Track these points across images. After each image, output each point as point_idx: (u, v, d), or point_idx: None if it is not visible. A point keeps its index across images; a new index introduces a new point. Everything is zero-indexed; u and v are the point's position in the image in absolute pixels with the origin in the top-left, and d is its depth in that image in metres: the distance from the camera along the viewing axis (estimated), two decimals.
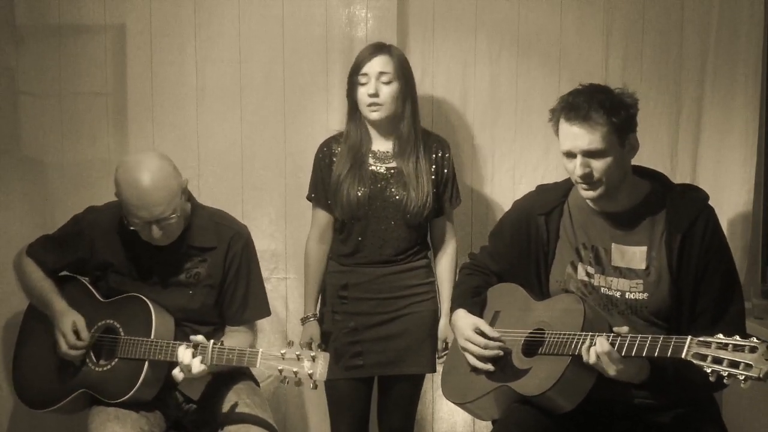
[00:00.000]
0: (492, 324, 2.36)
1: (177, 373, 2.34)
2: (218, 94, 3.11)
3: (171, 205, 2.37)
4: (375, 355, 2.77)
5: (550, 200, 2.36)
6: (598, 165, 2.12)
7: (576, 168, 2.14)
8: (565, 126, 2.15)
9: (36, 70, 3.06)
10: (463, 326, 2.36)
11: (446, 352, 2.75)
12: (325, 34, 3.09)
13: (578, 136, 2.12)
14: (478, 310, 2.40)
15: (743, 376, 1.79)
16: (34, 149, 3.09)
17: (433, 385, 3.21)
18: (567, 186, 2.34)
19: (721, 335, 1.86)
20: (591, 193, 2.17)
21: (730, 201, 3.18)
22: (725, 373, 1.82)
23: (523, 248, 2.36)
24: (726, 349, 1.83)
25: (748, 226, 3.19)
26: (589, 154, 2.12)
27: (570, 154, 2.16)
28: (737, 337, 1.84)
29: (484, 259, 2.52)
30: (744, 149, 3.17)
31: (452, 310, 2.46)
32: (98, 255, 2.56)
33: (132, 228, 2.42)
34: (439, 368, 2.73)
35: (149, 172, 2.35)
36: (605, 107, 2.10)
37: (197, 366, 2.29)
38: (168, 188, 2.37)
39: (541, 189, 2.46)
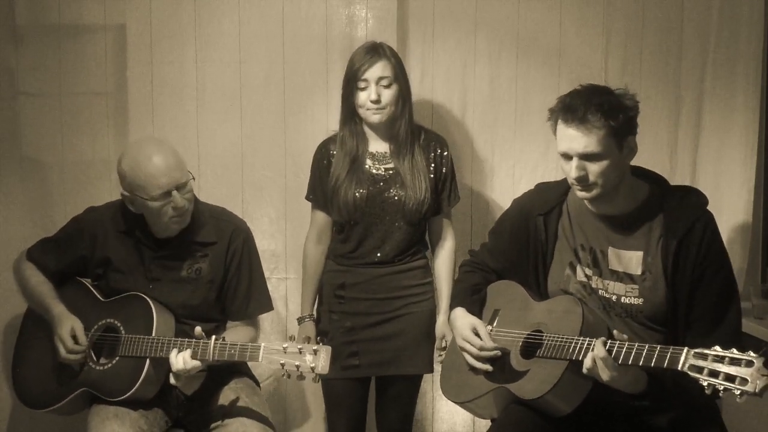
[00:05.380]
0: (491, 322, 2.36)
1: (173, 381, 2.39)
2: (218, 94, 3.11)
3: (185, 171, 2.45)
4: (371, 355, 2.76)
5: (549, 200, 2.33)
6: (594, 168, 2.09)
7: (571, 170, 2.11)
8: (562, 128, 2.11)
9: (36, 70, 3.06)
10: (461, 326, 2.35)
11: (445, 348, 2.74)
12: (325, 34, 3.09)
13: (574, 138, 2.08)
14: (477, 308, 2.40)
15: (739, 391, 1.78)
16: (34, 149, 3.10)
17: (432, 385, 3.21)
18: (566, 186, 2.29)
19: (718, 348, 1.84)
20: (586, 194, 2.14)
21: (730, 201, 3.17)
22: (721, 387, 1.80)
23: (522, 247, 2.35)
24: (722, 363, 1.82)
25: (748, 226, 3.18)
26: (585, 157, 2.08)
27: (566, 156, 2.12)
28: (734, 351, 1.82)
29: (483, 256, 2.51)
30: (744, 149, 3.16)
31: (451, 307, 2.46)
32: (99, 252, 2.56)
33: (146, 211, 2.43)
34: (438, 366, 2.73)
35: (156, 144, 2.46)
36: (603, 110, 2.05)
37: (189, 362, 2.30)
38: (178, 155, 2.45)
39: (541, 188, 2.44)
